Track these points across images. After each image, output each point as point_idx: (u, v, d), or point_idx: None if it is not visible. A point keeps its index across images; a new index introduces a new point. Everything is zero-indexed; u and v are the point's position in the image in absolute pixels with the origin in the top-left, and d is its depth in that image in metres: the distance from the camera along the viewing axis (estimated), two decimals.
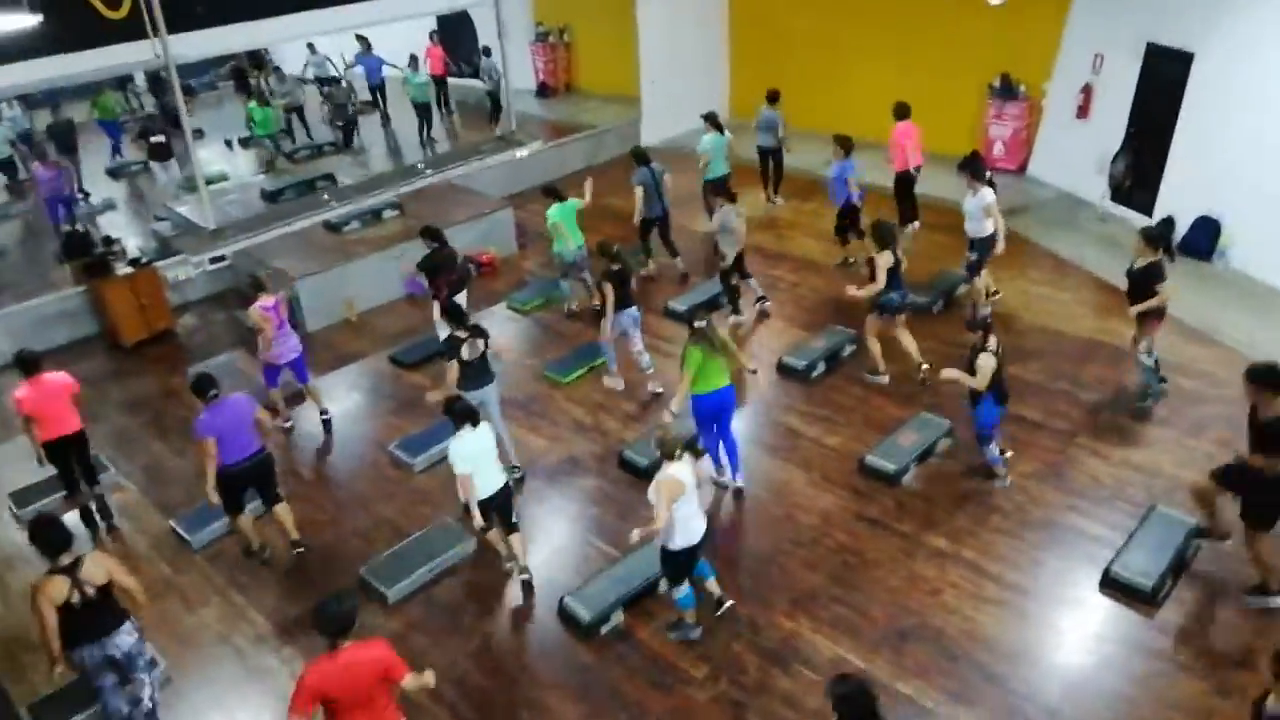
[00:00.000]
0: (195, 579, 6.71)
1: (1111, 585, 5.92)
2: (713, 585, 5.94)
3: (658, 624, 5.96)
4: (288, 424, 8.40)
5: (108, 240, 10.66)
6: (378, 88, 15.81)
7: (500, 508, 6.18)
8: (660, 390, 8.34)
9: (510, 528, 6.33)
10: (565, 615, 6.06)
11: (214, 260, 7.57)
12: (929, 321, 9.04)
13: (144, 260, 10.23)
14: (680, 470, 5.34)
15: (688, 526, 5.47)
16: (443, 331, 7.90)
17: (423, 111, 15.08)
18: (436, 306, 8.51)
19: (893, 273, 7.79)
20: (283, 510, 6.75)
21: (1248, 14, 9.36)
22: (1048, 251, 10.46)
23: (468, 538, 6.72)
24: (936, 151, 11.18)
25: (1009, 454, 7.11)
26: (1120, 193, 10.98)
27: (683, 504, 5.35)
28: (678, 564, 5.60)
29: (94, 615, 4.99)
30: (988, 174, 9.00)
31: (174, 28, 9.02)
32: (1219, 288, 9.38)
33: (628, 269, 8.22)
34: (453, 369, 6.90)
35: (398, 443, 7.94)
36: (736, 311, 9.49)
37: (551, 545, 6.83)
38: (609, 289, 7.98)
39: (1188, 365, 8.13)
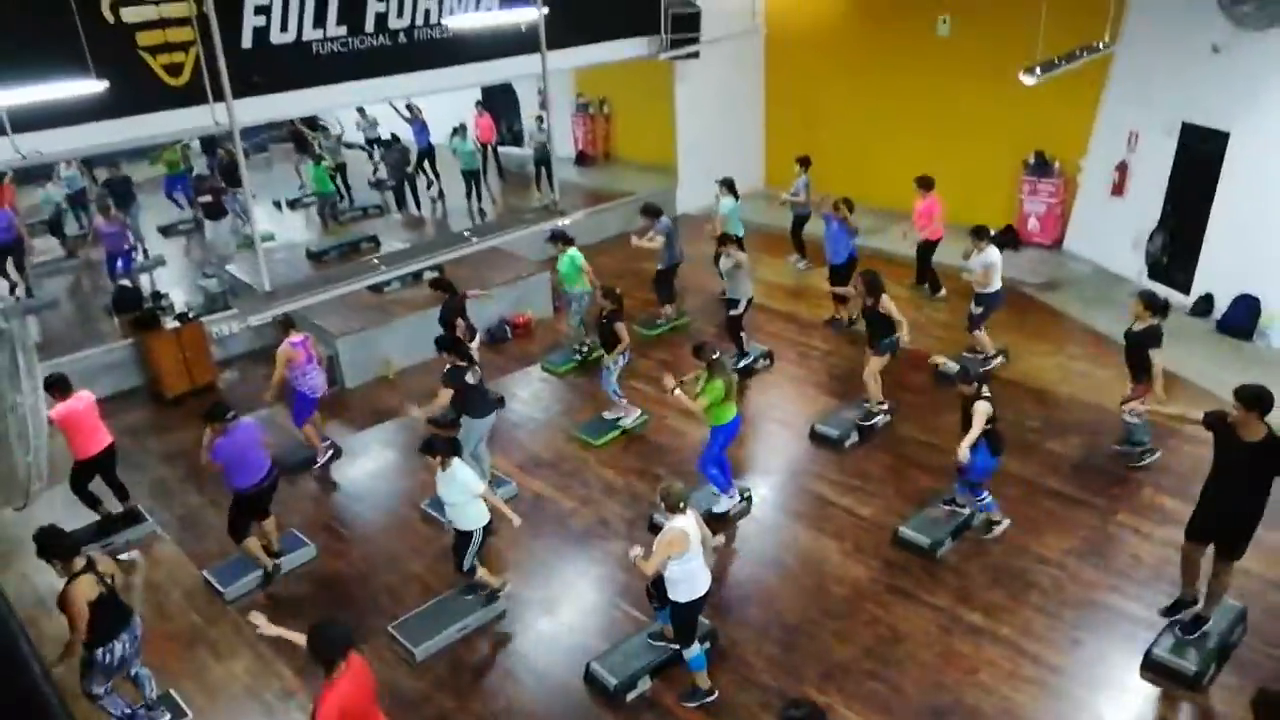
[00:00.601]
0: (226, 630, 6.72)
1: (1153, 669, 5.76)
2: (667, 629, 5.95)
3: (684, 691, 5.86)
4: (329, 452, 8.71)
5: (156, 295, 10.97)
6: (426, 153, 16.25)
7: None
8: (619, 416, 8.89)
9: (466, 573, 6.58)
10: (591, 680, 6.00)
11: (277, 321, 7.94)
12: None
13: (190, 315, 10.51)
14: (685, 523, 5.40)
15: (694, 580, 5.49)
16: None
17: (470, 178, 15.38)
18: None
19: (869, 315, 8.34)
20: (270, 524, 7.17)
21: None
22: (1086, 327, 10.41)
23: (498, 598, 6.70)
24: (969, 224, 11.24)
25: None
26: (1157, 269, 10.95)
27: (689, 558, 5.38)
28: (687, 619, 5.61)
29: (118, 603, 5.34)
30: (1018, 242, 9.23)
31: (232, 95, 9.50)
32: (1260, 367, 9.23)
33: (614, 314, 8.62)
34: (445, 395, 7.25)
35: (429, 500, 7.97)
36: (743, 355, 9.84)
37: (579, 608, 6.78)
38: (622, 328, 8.56)
39: None
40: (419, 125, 15.95)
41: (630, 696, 5.87)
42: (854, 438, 8.51)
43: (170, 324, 10.20)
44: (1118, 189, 11.54)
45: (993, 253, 9.14)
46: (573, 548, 7.40)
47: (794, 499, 7.87)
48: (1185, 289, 10.58)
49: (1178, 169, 10.70)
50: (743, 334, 9.85)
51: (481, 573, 6.55)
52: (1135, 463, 7.86)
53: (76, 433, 7.30)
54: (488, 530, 6.41)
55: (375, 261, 5.57)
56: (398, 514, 8.06)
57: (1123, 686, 5.73)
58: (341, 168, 16.26)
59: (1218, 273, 10.20)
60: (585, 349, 10.24)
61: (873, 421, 8.62)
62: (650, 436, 8.86)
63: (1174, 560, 6.65)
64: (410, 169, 15.82)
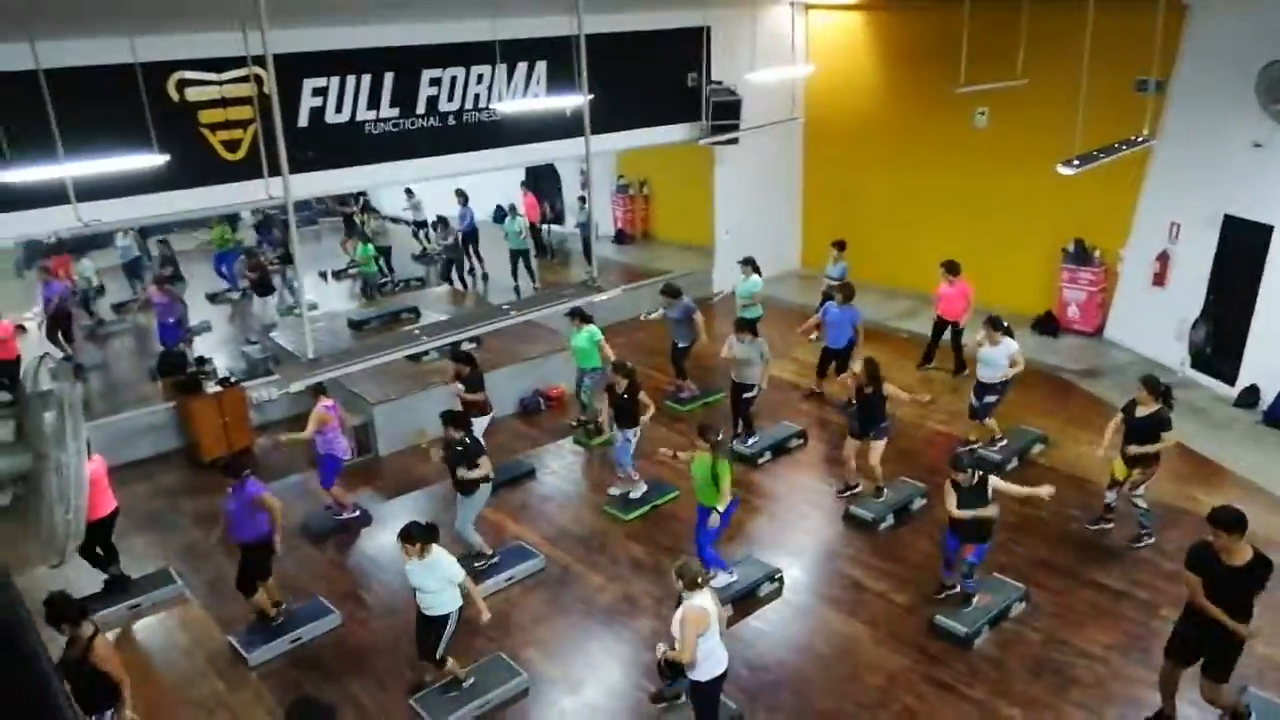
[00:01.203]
0: (248, 698, 6.66)
1: None
2: None
3: None
4: (355, 513, 8.85)
5: (200, 360, 11.22)
6: (471, 235, 16.58)
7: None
8: (628, 491, 8.92)
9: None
10: None
11: (309, 387, 8.15)
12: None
13: (232, 380, 10.71)
14: (705, 600, 5.31)
15: (715, 656, 5.41)
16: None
17: (517, 256, 15.48)
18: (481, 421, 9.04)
19: (863, 401, 8.37)
20: (269, 584, 7.31)
21: None
22: None
23: (520, 674, 6.59)
24: (1012, 310, 11.21)
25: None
26: (1200, 360, 10.78)
27: (709, 635, 5.30)
28: (711, 698, 5.49)
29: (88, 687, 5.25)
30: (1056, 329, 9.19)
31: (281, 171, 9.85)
32: None
33: (634, 386, 8.62)
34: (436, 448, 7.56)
35: None
36: (751, 434, 9.91)
37: (604, 688, 6.63)
38: (646, 398, 8.64)
39: (1277, 539, 7.72)
40: (466, 211, 16.35)
41: None
42: (889, 520, 8.37)
43: (212, 388, 10.40)
44: (1159, 279, 11.46)
45: (1011, 343, 9.08)
46: (599, 625, 7.28)
47: (827, 582, 7.70)
48: (1230, 380, 10.39)
49: (1220, 260, 10.63)
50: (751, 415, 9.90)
51: (451, 663, 6.41)
52: (1137, 544, 7.86)
53: (94, 493, 7.42)
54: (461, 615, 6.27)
55: (416, 331, 5.64)
56: None
57: None
58: (386, 250, 16.59)
59: (1264, 364, 10.02)
60: (593, 425, 10.23)
61: (887, 500, 8.63)
62: (680, 513, 8.77)
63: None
64: (456, 251, 16.16)
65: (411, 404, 10.38)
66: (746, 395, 9.64)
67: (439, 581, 6.09)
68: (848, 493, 8.86)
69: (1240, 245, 10.31)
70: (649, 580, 7.79)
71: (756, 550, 8.02)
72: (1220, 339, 10.54)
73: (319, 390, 8.42)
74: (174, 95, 9.07)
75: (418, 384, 10.72)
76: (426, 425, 8.98)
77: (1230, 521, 5.15)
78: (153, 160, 7.66)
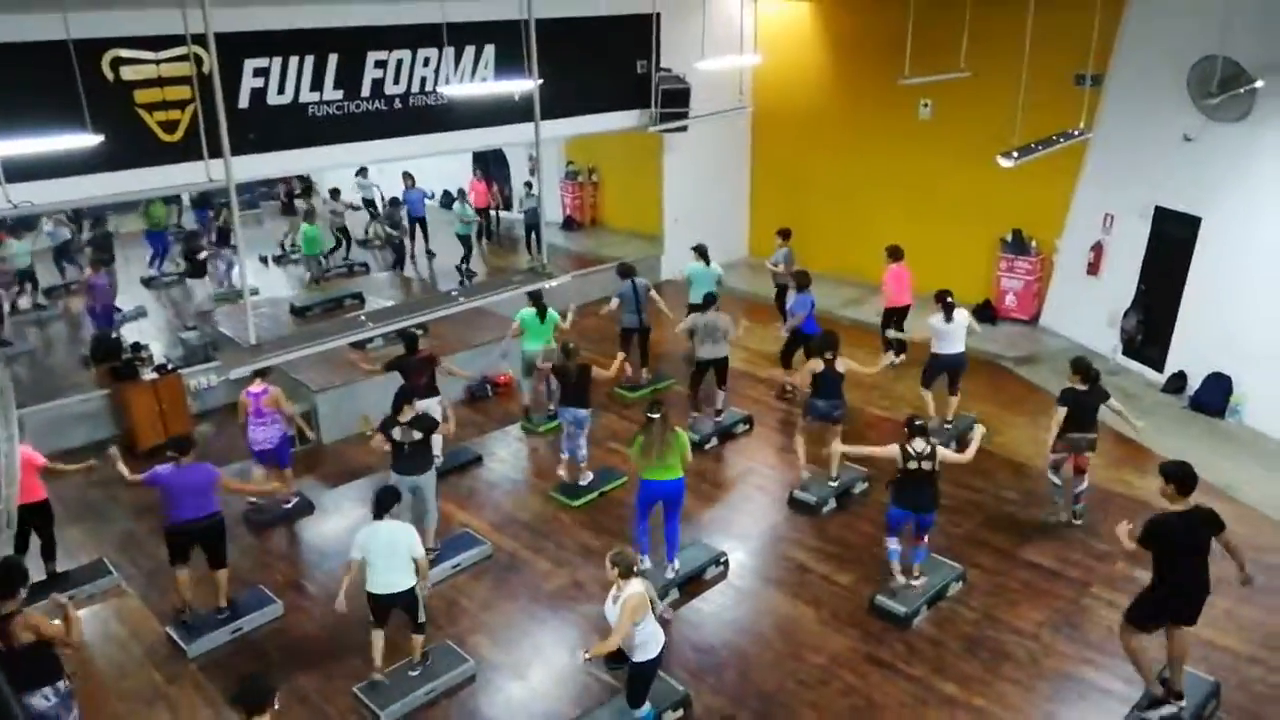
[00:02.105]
0: (186, 689, 6.55)
1: None
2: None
3: None
4: (288, 504, 8.76)
5: (136, 346, 10.92)
6: (420, 220, 16.44)
7: (405, 608, 6.33)
8: (589, 480, 8.94)
9: (416, 629, 6.46)
10: None
11: (257, 373, 8.02)
12: None
13: (170, 367, 10.47)
14: (642, 586, 5.44)
15: (655, 639, 5.53)
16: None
17: (465, 243, 15.51)
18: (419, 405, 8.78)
19: (821, 377, 8.44)
20: (222, 576, 7.13)
21: (1249, 183, 9.75)
22: None
23: (467, 660, 6.59)
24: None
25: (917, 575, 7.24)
26: (1131, 347, 11.13)
27: (647, 620, 5.43)
28: (647, 679, 5.61)
29: (15, 668, 4.94)
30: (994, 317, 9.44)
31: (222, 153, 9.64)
32: (1232, 445, 9.38)
33: (581, 368, 8.65)
34: (379, 441, 7.43)
35: None
36: (695, 410, 10.12)
37: (551, 674, 6.66)
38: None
39: None
40: (418, 195, 16.17)
41: None
42: (832, 504, 8.52)
43: (148, 375, 10.15)
44: (1093, 268, 11.80)
45: (961, 314, 9.45)
46: (546, 611, 7.30)
47: (771, 565, 7.82)
48: (1159, 367, 10.76)
49: (1151, 251, 10.98)
50: (698, 393, 10.12)
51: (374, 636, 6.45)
52: (1052, 518, 8.21)
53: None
54: (376, 602, 6.30)
55: (362, 318, 5.57)
56: None
57: None
58: (345, 230, 16.33)
59: (1190, 351, 10.39)
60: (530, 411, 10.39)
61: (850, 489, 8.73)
62: (627, 499, 8.81)
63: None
64: (404, 233, 16.01)
65: (355, 391, 10.26)
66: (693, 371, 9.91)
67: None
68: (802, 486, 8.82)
69: (1170, 236, 10.66)
70: (596, 566, 7.79)
71: (702, 534, 8.11)
72: (1150, 327, 10.90)
73: (259, 374, 8.27)
74: (109, 74, 8.80)
75: (362, 371, 10.58)
76: (371, 412, 8.89)
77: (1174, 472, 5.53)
78: (86, 140, 7.42)
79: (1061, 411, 7.74)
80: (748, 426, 10.14)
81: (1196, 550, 5.49)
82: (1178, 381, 10.46)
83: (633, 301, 10.72)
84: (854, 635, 6.86)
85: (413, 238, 16.42)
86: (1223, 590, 6.95)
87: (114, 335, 11.75)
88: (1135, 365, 11.10)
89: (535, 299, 9.95)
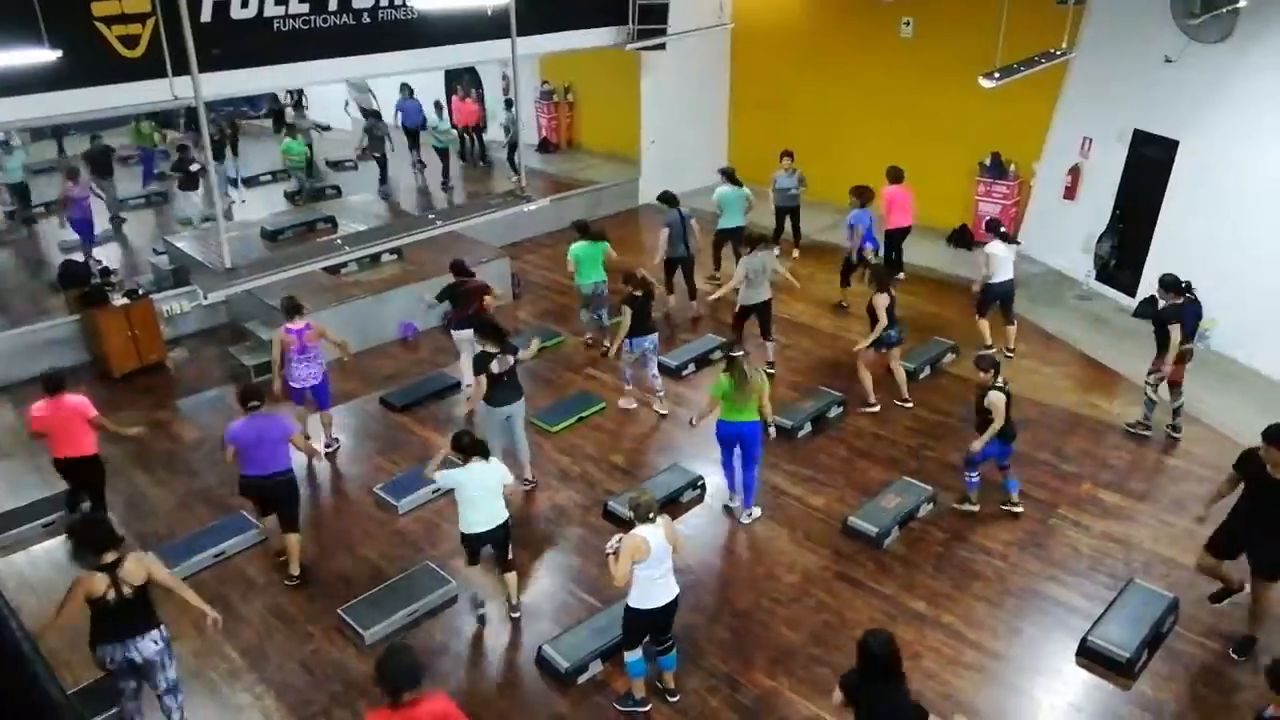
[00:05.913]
0: (172, 611, 6.57)
1: (1088, 655, 5.94)
2: (668, 678, 5.78)
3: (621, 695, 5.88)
4: (329, 448, 8.56)
5: (105, 271, 10.72)
6: (414, 131, 16.08)
7: (496, 545, 6.26)
8: (666, 413, 8.95)
9: (505, 565, 6.40)
10: (543, 663, 6.03)
11: (294, 309, 7.93)
12: (915, 389, 9.17)
13: (140, 292, 10.30)
14: (649, 532, 5.26)
15: (646, 590, 5.35)
16: (465, 355, 8.50)
17: (444, 157, 15.44)
18: (455, 335, 9.05)
19: (889, 311, 8.48)
20: (292, 540, 6.88)
21: (1228, 106, 9.72)
22: (1034, 326, 10.63)
23: (449, 581, 6.71)
24: (926, 224, 11.47)
25: (1016, 502, 7.39)
26: (1105, 272, 11.22)
27: (646, 566, 5.25)
28: (631, 624, 5.52)
29: (125, 615, 5.08)
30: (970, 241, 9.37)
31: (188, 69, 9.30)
32: (1201, 370, 9.50)
33: (649, 296, 8.63)
34: (481, 383, 7.21)
35: (383, 485, 7.95)
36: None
37: (533, 593, 6.80)
38: (628, 312, 8.49)
39: (1170, 444, 8.25)
40: (414, 104, 15.77)
41: (581, 679, 5.92)
42: (807, 429, 8.64)
43: (119, 301, 9.99)
44: (1070, 192, 11.80)
45: (996, 245, 9.36)
46: (526, 533, 7.41)
47: None
48: (1131, 292, 10.86)
49: (1128, 175, 10.98)
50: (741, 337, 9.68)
51: (473, 572, 6.51)
52: (1138, 430, 8.38)
53: (47, 435, 7.05)
54: (475, 540, 6.29)
55: (339, 242, 5.48)
56: (351, 499, 8.02)
57: (1059, 672, 5.90)
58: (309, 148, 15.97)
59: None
60: (605, 347, 9.86)
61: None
62: (607, 424, 8.90)
63: (1111, 552, 6.92)
64: (391, 147, 15.71)
65: (331, 317, 10.16)
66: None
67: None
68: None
69: (1147, 160, 10.65)
70: (576, 489, 7.94)
71: (681, 459, 8.22)
72: (1124, 252, 10.97)
73: (293, 310, 7.97)
74: None
75: (338, 297, 10.50)
76: (347, 337, 8.87)
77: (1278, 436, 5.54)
78: (42, 55, 7.14)
79: (1176, 329, 7.84)
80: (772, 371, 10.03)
81: (1266, 507, 5.66)
82: (1149, 307, 10.56)
83: (680, 230, 10.56)
84: (826, 555, 7.04)
85: (412, 148, 16.12)
86: (1183, 510, 7.23)
87: (81, 259, 11.53)
88: (1109, 290, 11.20)
89: (583, 230, 9.83)
